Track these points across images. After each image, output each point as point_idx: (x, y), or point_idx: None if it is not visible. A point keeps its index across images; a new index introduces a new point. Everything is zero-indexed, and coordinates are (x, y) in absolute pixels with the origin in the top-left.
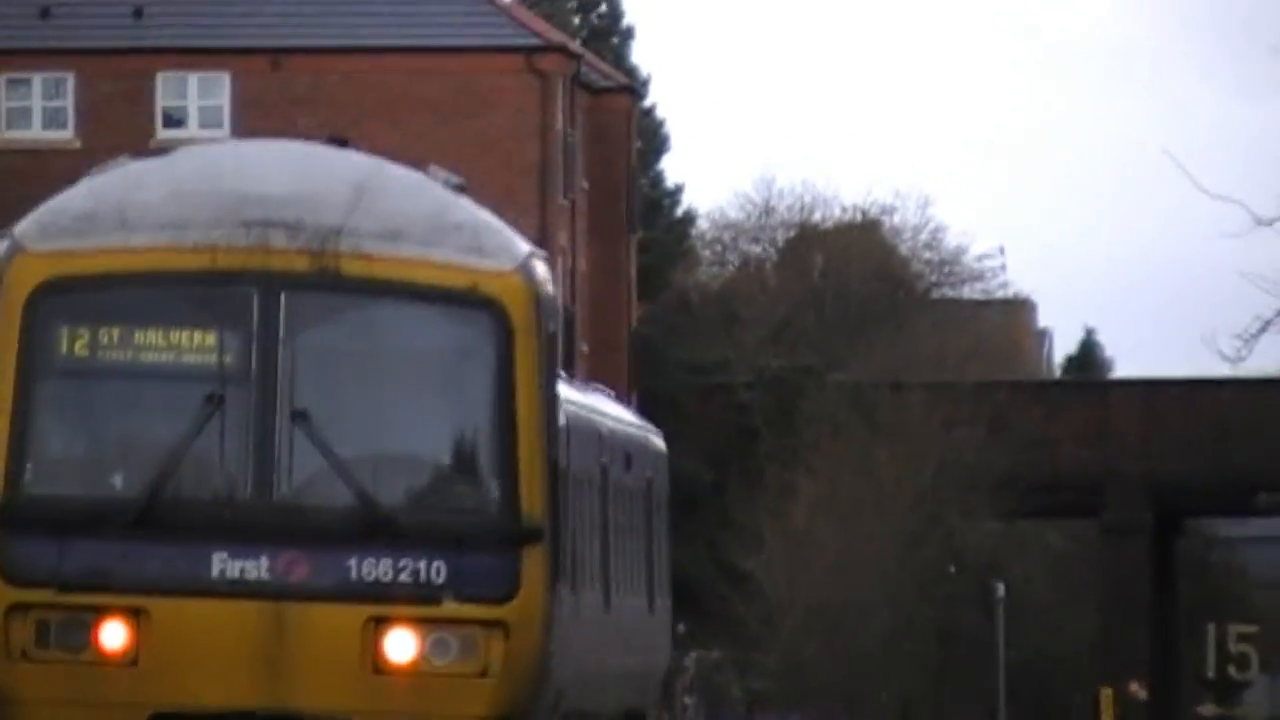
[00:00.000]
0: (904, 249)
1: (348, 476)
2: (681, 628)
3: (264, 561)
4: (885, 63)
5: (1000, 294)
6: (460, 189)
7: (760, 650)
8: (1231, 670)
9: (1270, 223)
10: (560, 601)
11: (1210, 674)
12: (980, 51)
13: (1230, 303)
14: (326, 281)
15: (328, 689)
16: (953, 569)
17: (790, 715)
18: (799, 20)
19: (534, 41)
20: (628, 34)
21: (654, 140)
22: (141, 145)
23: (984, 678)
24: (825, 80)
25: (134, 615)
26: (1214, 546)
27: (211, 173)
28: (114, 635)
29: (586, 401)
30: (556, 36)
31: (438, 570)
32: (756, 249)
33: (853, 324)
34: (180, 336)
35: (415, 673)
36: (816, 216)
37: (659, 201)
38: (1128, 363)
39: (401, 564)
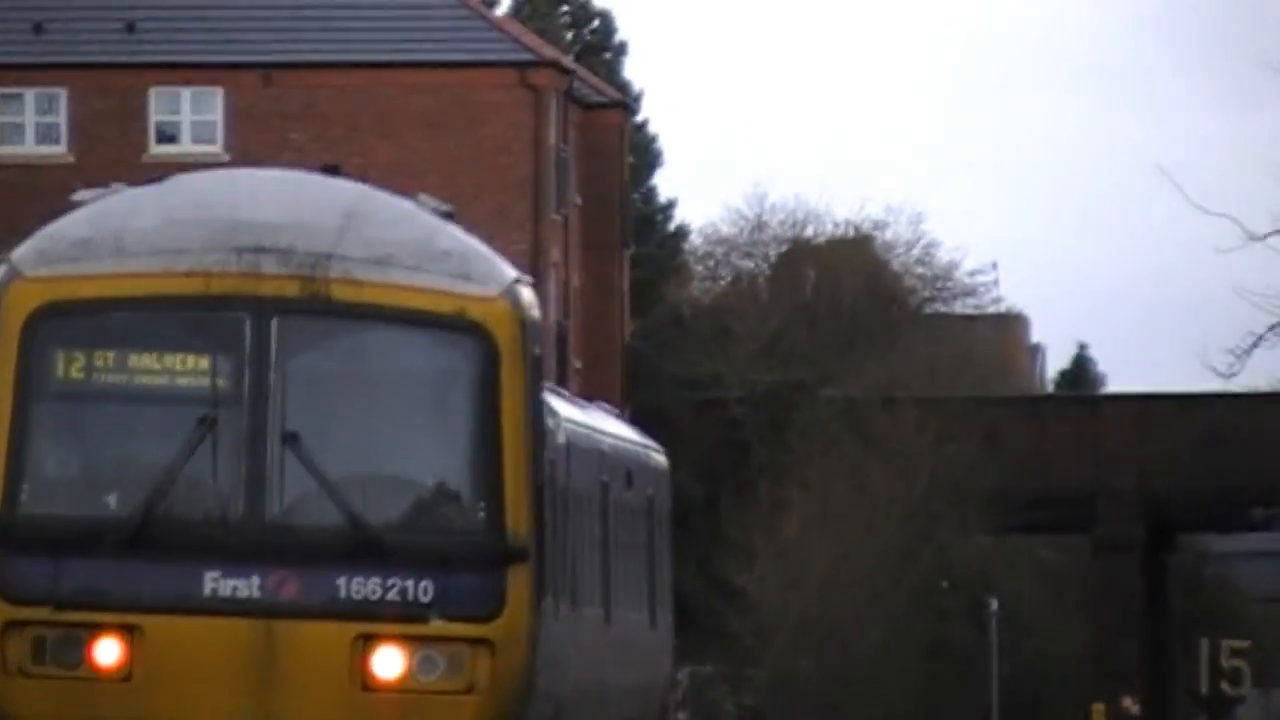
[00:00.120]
0: (896, 264)
1: (337, 497)
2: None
3: (255, 580)
4: (877, 78)
5: (993, 309)
6: (448, 216)
7: (753, 665)
8: (1224, 685)
9: (1263, 238)
10: (558, 618)
11: (1203, 689)
12: (973, 68)
13: (1223, 318)
14: (317, 306)
15: (317, 705)
16: (945, 584)
17: None
18: (791, 36)
19: (527, 57)
20: (620, 50)
21: (646, 155)
22: (134, 160)
23: (976, 692)
24: (817, 96)
25: (128, 632)
26: (1207, 561)
27: (205, 200)
28: (108, 652)
29: (587, 420)
30: (549, 52)
31: (425, 589)
32: (749, 264)
33: (845, 339)
34: (174, 360)
35: (402, 689)
36: (809, 231)
37: (652, 217)
38: (1120, 378)
39: (389, 583)
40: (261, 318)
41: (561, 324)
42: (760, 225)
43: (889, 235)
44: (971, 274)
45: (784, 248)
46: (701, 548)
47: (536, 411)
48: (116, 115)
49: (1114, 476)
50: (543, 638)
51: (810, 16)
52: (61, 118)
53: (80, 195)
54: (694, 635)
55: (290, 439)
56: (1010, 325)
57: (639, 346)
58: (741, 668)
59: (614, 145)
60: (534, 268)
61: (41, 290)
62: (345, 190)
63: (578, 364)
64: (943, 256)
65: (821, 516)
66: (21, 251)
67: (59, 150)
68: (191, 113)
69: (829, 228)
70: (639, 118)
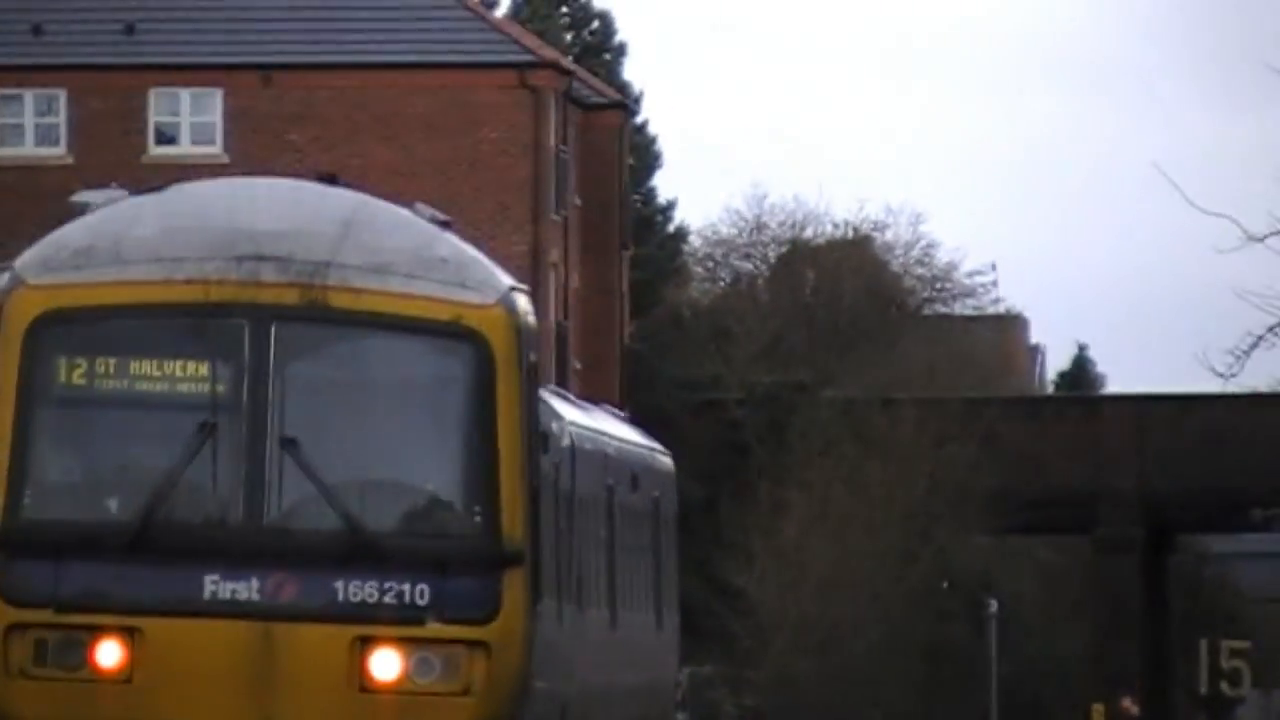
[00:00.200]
0: (896, 265)
1: (335, 502)
2: None
3: (254, 583)
4: (876, 79)
5: (992, 310)
6: (445, 225)
7: (752, 666)
8: (1224, 686)
9: (1262, 239)
10: (562, 620)
11: (1203, 690)
12: (972, 68)
13: (1222, 318)
14: (315, 314)
15: (315, 706)
16: (945, 584)
17: None
18: (791, 37)
19: (526, 58)
20: (620, 50)
21: (646, 156)
22: (134, 161)
23: (976, 693)
24: (816, 97)
25: (129, 635)
26: (1206, 562)
27: (204, 209)
28: (109, 654)
29: (593, 423)
30: (549, 53)
31: (421, 592)
32: (748, 265)
33: (844, 340)
34: (174, 366)
35: (399, 691)
36: (808, 233)
37: (651, 218)
38: (1120, 378)
39: (386, 586)
40: (260, 325)
41: (561, 325)
42: (759, 226)
43: (888, 236)
44: (971, 275)
45: (783, 249)
46: (701, 549)
47: (532, 417)
48: (115, 116)
49: (1113, 477)
50: (547, 640)
51: (809, 18)
52: (61, 119)
53: (79, 197)
54: (693, 636)
55: (289, 444)
56: (1009, 326)
57: (638, 348)
58: (741, 669)
59: (613, 146)
60: (533, 269)
61: (44, 298)
62: (343, 199)
63: (577, 365)
64: (942, 257)
65: (821, 517)
66: (24, 259)
67: (58, 151)
68: (191, 114)
69: (828, 229)
70: (638, 119)
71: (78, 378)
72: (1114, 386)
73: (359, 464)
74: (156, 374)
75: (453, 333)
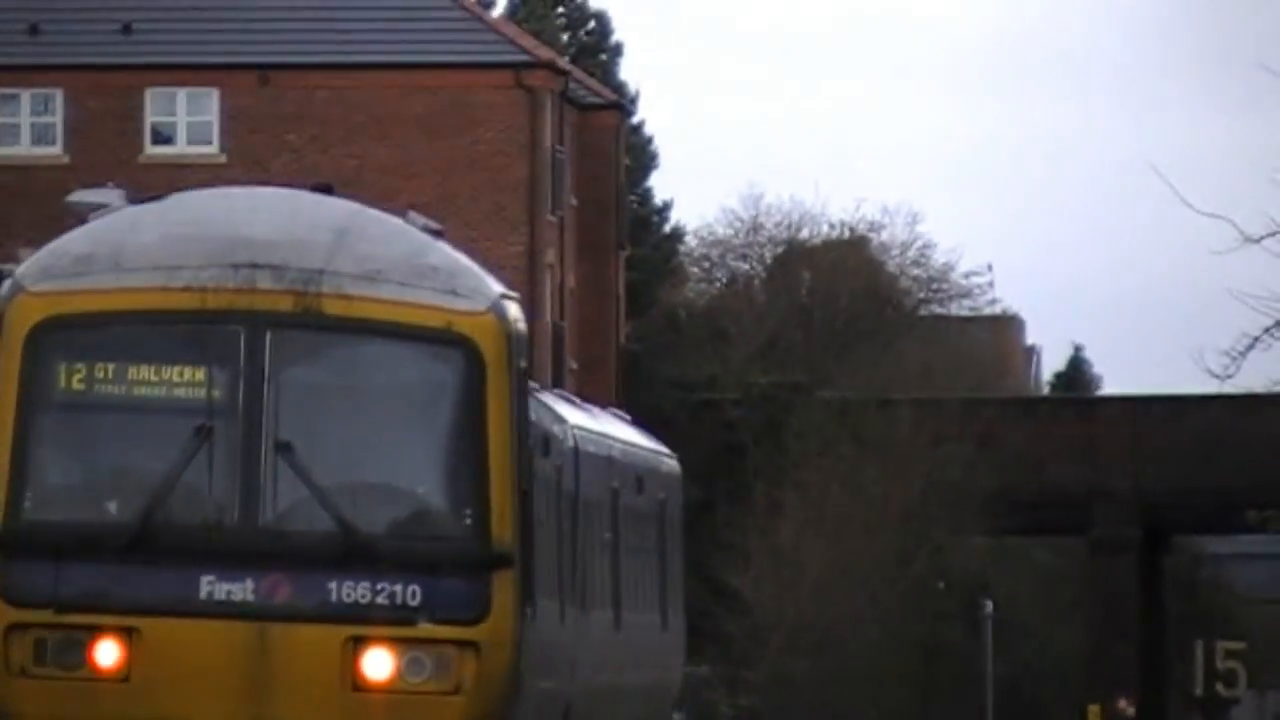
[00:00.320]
0: (892, 266)
1: (329, 504)
2: None
3: (249, 584)
4: (873, 79)
5: (988, 310)
6: (438, 234)
7: (749, 666)
8: (1219, 687)
9: (1259, 240)
10: (564, 621)
11: (1198, 691)
12: (968, 68)
13: (1218, 319)
14: (309, 321)
15: (309, 705)
16: (941, 585)
17: None
18: (786, 37)
19: (522, 58)
20: (616, 51)
21: (642, 157)
22: (130, 161)
23: (971, 694)
24: (812, 97)
25: (127, 635)
26: (1202, 563)
27: (202, 218)
28: (108, 653)
29: (598, 426)
30: (545, 53)
31: (413, 593)
32: (744, 266)
33: (840, 341)
34: (171, 372)
35: (392, 690)
36: (804, 233)
37: (647, 218)
38: (1116, 379)
39: (379, 587)
40: (256, 331)
41: (557, 325)
42: (755, 227)
43: (884, 237)
44: (967, 275)
45: (779, 249)
46: (697, 549)
47: (522, 422)
48: (112, 116)
49: (1109, 478)
50: (549, 640)
51: (806, 18)
52: (57, 119)
53: (76, 196)
54: (689, 636)
55: (283, 448)
56: (1005, 327)
57: (634, 348)
58: (737, 669)
59: (610, 146)
60: (529, 269)
61: (44, 304)
62: (338, 208)
63: (573, 365)
64: (938, 258)
65: (817, 518)
66: (25, 267)
67: (54, 151)
68: (187, 114)
69: (824, 229)
70: (635, 119)
71: (77, 383)
72: (1110, 387)
73: (352, 468)
74: (154, 379)
75: (444, 339)
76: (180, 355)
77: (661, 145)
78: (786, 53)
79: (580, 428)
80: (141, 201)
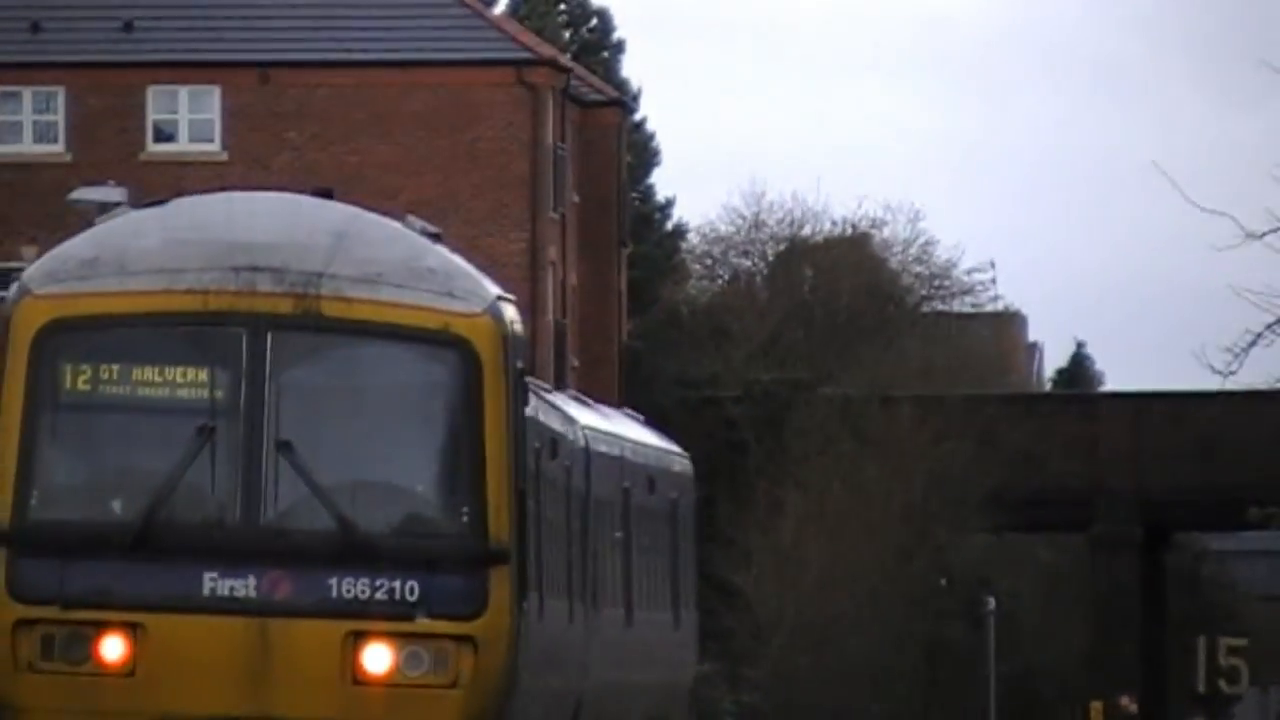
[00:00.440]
0: (894, 263)
1: (328, 503)
2: None
3: (251, 581)
4: (875, 76)
5: (990, 307)
6: (435, 237)
7: (750, 664)
8: (1222, 684)
9: (1260, 236)
10: (573, 619)
11: (1200, 687)
12: (971, 65)
13: (1220, 316)
14: (309, 322)
15: (310, 699)
16: (942, 583)
17: None
18: (789, 34)
19: (524, 55)
20: (618, 48)
21: (644, 154)
22: (132, 159)
23: (973, 692)
24: (814, 94)
25: (131, 630)
26: (1204, 560)
27: (204, 222)
28: (113, 649)
29: (609, 426)
30: (546, 50)
31: (411, 589)
32: (746, 263)
33: (842, 338)
34: (174, 373)
35: (390, 684)
36: (806, 230)
37: (649, 215)
38: (1118, 376)
39: (378, 583)
40: (257, 333)
41: (559, 323)
42: (757, 224)
43: (886, 234)
44: (969, 272)
45: (781, 246)
46: (699, 547)
47: (519, 421)
48: (114, 114)
49: (1111, 475)
50: (558, 638)
51: (808, 15)
52: (59, 116)
53: (78, 194)
54: None
55: (284, 447)
56: (1007, 323)
57: (636, 345)
58: (739, 666)
59: (611, 144)
60: (531, 266)
61: (50, 307)
62: (337, 212)
63: (575, 363)
64: (940, 255)
65: (819, 515)
66: (31, 271)
67: (56, 149)
68: (189, 111)
69: (826, 226)
70: (636, 116)
71: (82, 384)
72: (1112, 384)
73: (351, 466)
74: (157, 380)
75: (441, 340)
76: (183, 357)
77: (663, 142)
78: (789, 49)
79: (591, 428)
80: (144, 206)
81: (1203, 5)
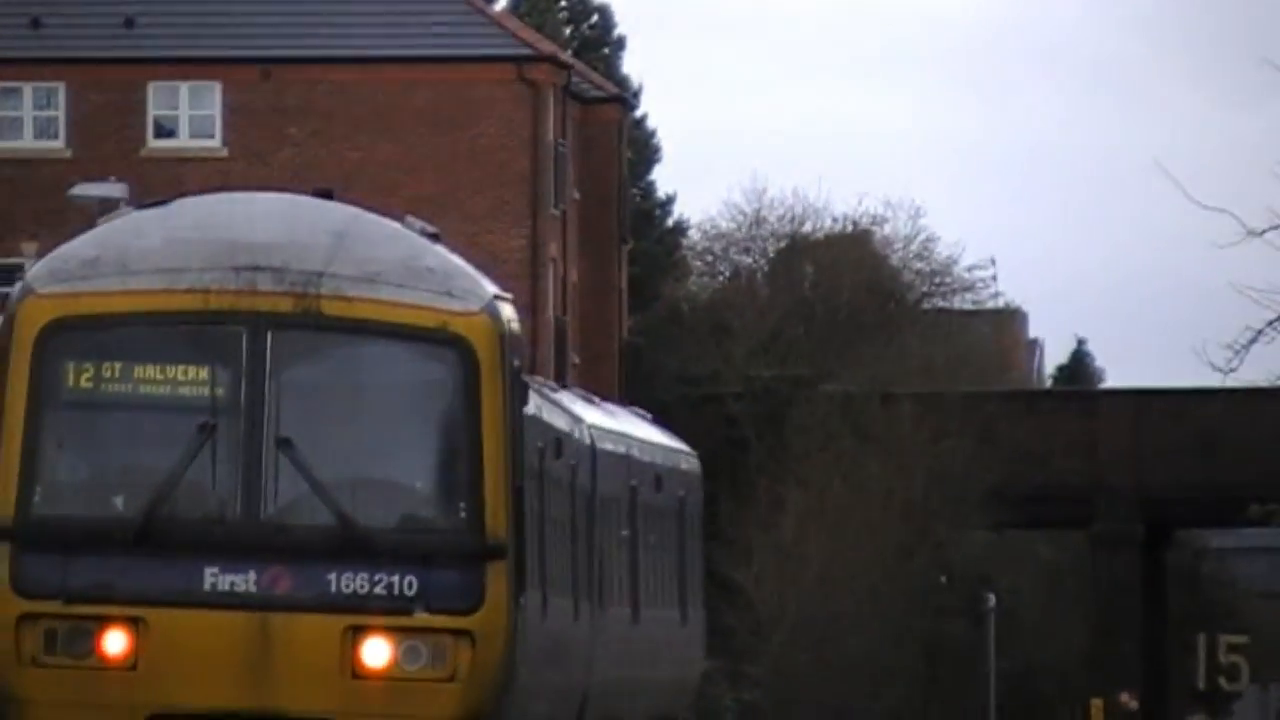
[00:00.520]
0: (895, 259)
1: (328, 499)
2: None
3: (251, 576)
4: (876, 73)
5: (991, 304)
6: (434, 237)
7: (751, 661)
8: (1222, 681)
9: (1261, 233)
10: (578, 616)
11: (1201, 685)
12: (971, 62)
13: (1221, 313)
14: (309, 321)
15: (309, 692)
16: (943, 580)
17: None
18: (790, 31)
19: (524, 52)
20: (619, 44)
21: (645, 150)
22: (133, 155)
23: (973, 689)
24: (816, 91)
25: (133, 625)
26: (1204, 557)
27: (205, 222)
28: (115, 643)
29: (616, 425)
30: (547, 47)
31: (410, 584)
32: (747, 260)
33: (843, 334)
34: (176, 371)
35: (389, 677)
36: (807, 227)
37: (650, 212)
38: (1118, 373)
39: (377, 578)
40: (257, 332)
41: (559, 319)
42: (758, 221)
43: (887, 230)
44: (970, 269)
45: (782, 243)
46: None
47: (516, 418)
48: (114, 110)
49: (1111, 472)
50: (563, 634)
51: (808, 11)
52: (60, 112)
53: (78, 190)
54: None
55: (284, 444)
56: (1008, 320)
57: (637, 342)
58: (740, 663)
59: (612, 140)
60: (532, 263)
61: (53, 306)
62: (336, 212)
63: (576, 359)
64: (941, 252)
65: (819, 512)
66: (35, 270)
67: (57, 145)
68: (189, 107)
69: (827, 223)
70: (637, 113)
71: (85, 382)
72: (1112, 381)
73: (350, 463)
74: (159, 378)
75: (439, 339)
76: (184, 355)
77: (664, 139)
78: (790, 46)
79: (597, 427)
80: (146, 205)
81: (1203, 5)
